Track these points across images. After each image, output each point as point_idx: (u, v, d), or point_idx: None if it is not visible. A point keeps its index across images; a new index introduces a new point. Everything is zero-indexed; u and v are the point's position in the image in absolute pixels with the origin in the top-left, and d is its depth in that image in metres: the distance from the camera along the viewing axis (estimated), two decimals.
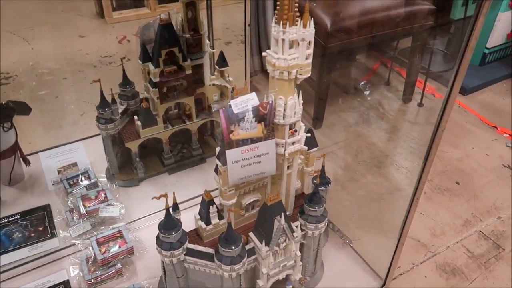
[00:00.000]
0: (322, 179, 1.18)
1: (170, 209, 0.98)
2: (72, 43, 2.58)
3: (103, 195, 1.34)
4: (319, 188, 1.13)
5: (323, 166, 1.16)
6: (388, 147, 1.97)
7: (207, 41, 1.40)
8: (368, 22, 1.85)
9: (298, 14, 0.85)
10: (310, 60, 0.89)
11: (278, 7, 0.84)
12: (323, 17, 1.79)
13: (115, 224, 1.28)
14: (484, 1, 0.71)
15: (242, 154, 0.94)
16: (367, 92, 2.21)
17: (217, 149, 0.99)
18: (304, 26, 0.85)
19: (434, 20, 2.02)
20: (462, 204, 1.68)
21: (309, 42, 0.87)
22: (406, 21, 1.92)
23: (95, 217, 1.30)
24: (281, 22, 0.84)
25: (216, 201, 1.07)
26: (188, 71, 1.37)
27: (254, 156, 0.96)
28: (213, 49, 1.54)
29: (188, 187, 1.48)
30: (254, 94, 0.91)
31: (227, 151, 0.92)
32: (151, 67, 1.33)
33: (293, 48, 0.88)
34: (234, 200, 1.03)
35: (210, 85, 1.48)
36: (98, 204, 1.31)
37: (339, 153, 1.88)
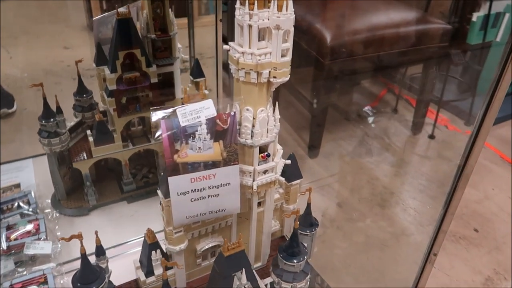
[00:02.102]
0: (307, 221, 0.91)
1: (94, 254, 0.72)
2: (54, 54, 2.43)
3: (35, 226, 1.08)
4: (303, 233, 0.87)
5: (308, 204, 0.90)
6: (394, 183, 1.70)
7: (179, 45, 1.17)
8: (374, 39, 1.63)
9: None
10: (288, 57, 0.65)
11: None
12: (323, 31, 1.57)
13: (42, 265, 1.01)
14: None
15: (191, 183, 0.68)
16: (371, 120, 1.96)
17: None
18: (279, 9, 0.61)
19: (449, 43, 1.80)
20: (482, 256, 1.39)
21: (287, 32, 0.63)
22: (418, 41, 1.70)
23: (20, 255, 1.03)
24: (247, 2, 0.60)
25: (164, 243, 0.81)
26: (154, 79, 1.14)
27: (209, 187, 0.70)
28: (193, 56, 1.32)
29: (147, 220, 1.19)
30: (210, 101, 0.66)
31: (169, 178, 0.67)
32: (106, 71, 1.10)
33: (264, 40, 0.64)
34: (183, 245, 0.77)
35: (182, 98, 1.24)
36: (26, 236, 1.05)
37: (335, 186, 1.61)
